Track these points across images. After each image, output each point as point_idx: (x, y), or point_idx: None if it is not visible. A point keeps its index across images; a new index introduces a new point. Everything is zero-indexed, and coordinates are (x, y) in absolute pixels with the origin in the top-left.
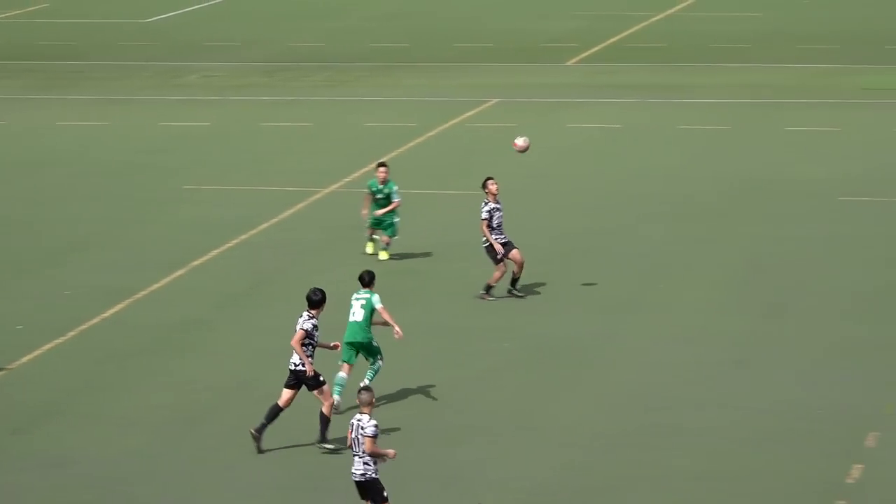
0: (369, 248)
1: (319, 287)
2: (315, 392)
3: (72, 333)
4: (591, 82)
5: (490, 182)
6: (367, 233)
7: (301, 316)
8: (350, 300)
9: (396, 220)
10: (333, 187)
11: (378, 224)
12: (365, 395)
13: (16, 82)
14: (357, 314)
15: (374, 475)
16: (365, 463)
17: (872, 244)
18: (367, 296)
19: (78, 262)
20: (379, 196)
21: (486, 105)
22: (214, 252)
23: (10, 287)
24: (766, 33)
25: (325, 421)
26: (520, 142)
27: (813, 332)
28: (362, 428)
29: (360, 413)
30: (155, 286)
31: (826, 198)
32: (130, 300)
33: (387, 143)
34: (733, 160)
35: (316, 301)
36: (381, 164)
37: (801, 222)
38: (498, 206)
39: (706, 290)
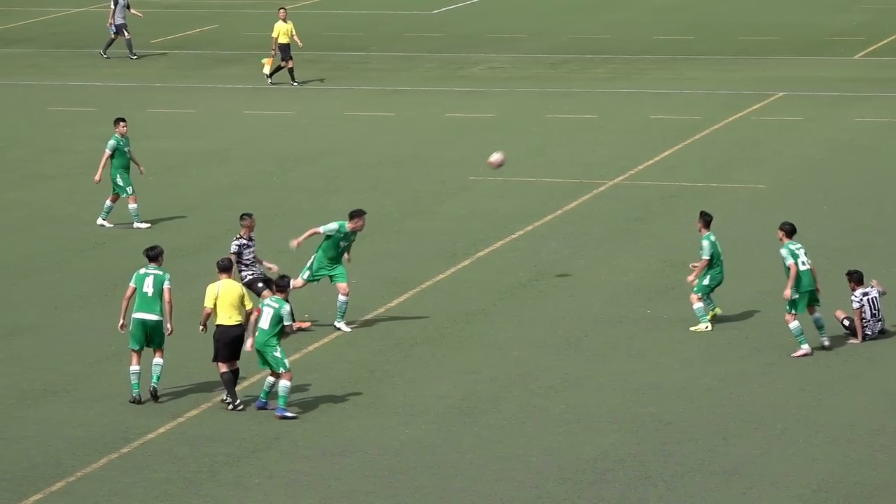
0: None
1: None
2: None
3: (355, 324)
4: (879, 76)
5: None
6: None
7: None
8: None
9: (705, 282)
10: (618, 179)
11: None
12: None
13: (305, 72)
14: None
15: None
16: None
17: None
18: None
19: (357, 251)
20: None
21: (771, 98)
22: (499, 243)
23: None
24: None
25: None
26: (494, 157)
27: None
28: None
29: None
30: (440, 276)
31: None
32: (415, 290)
33: (671, 136)
34: None
35: None
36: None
37: None
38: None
39: None
